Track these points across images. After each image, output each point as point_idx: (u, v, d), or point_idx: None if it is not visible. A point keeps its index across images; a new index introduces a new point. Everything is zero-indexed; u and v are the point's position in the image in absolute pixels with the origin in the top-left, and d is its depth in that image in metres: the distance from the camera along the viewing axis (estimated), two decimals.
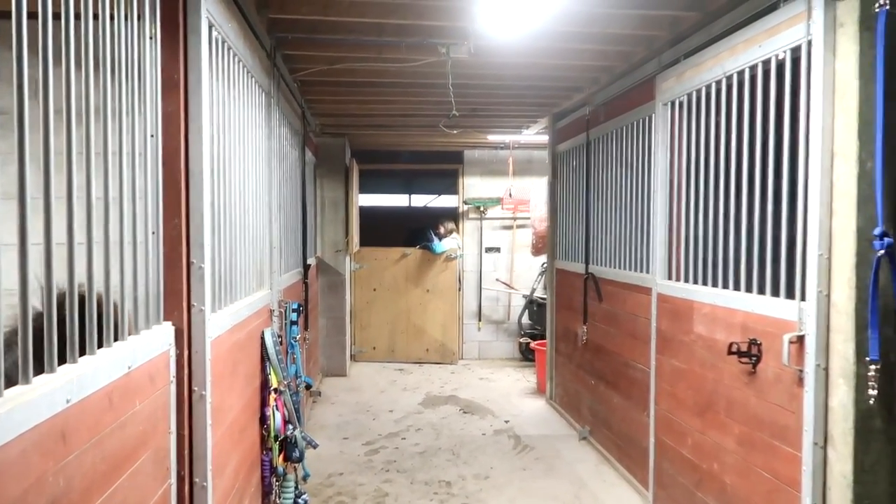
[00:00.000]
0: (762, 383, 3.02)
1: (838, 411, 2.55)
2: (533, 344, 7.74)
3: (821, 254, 2.63)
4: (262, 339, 3.50)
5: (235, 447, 2.93)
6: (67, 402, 1.48)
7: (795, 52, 2.83)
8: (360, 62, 4.44)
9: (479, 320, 9.07)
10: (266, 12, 3.58)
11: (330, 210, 7.86)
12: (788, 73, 2.87)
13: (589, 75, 5.05)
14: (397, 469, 4.91)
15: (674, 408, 3.93)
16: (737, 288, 3.29)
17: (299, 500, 3.81)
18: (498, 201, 8.94)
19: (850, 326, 2.49)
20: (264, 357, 3.51)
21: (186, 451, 2.34)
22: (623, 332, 4.78)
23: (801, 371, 2.73)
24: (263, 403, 3.49)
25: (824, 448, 2.62)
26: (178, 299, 2.29)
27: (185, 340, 2.32)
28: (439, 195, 10.62)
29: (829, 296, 2.62)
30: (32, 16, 1.39)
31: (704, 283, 3.64)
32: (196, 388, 2.38)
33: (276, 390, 3.55)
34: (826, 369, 2.62)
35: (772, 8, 3.00)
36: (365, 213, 9.21)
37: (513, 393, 7.26)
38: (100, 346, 1.76)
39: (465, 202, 9.06)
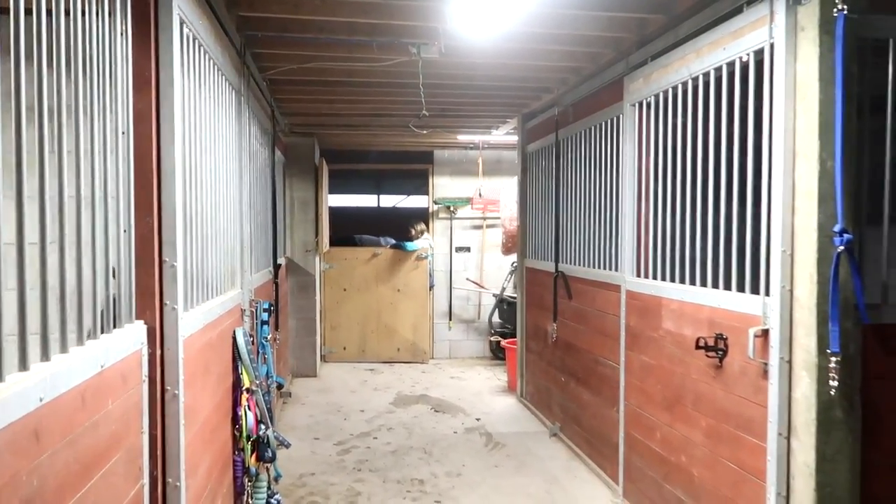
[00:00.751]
0: (728, 377, 3.10)
1: (801, 402, 2.63)
2: (504, 342, 7.80)
3: (784, 250, 2.71)
4: (234, 338, 3.48)
5: (208, 447, 2.91)
6: (41, 400, 1.46)
7: (759, 54, 2.91)
8: (331, 61, 4.44)
9: (450, 319, 9.10)
10: (236, 10, 3.56)
11: (300, 210, 7.82)
12: (752, 76, 2.95)
13: (558, 76, 5.11)
14: (369, 468, 4.91)
15: (643, 403, 4.00)
16: (704, 284, 3.36)
17: (272, 501, 3.80)
18: (468, 201, 8.98)
19: (812, 320, 2.58)
20: (236, 356, 3.49)
21: (159, 451, 2.32)
22: (593, 330, 4.84)
23: (765, 364, 2.81)
24: (235, 403, 3.47)
25: (788, 438, 2.71)
26: (150, 298, 2.27)
27: (158, 339, 2.31)
28: (409, 195, 10.62)
29: (791, 291, 2.70)
30: (4, 11, 1.37)
31: (672, 280, 3.71)
32: (169, 388, 2.36)
33: (248, 390, 3.53)
34: (790, 362, 2.70)
35: (736, 11, 3.07)
36: (335, 213, 9.17)
37: (484, 391, 7.30)
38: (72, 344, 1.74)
39: (435, 202, 9.09)
